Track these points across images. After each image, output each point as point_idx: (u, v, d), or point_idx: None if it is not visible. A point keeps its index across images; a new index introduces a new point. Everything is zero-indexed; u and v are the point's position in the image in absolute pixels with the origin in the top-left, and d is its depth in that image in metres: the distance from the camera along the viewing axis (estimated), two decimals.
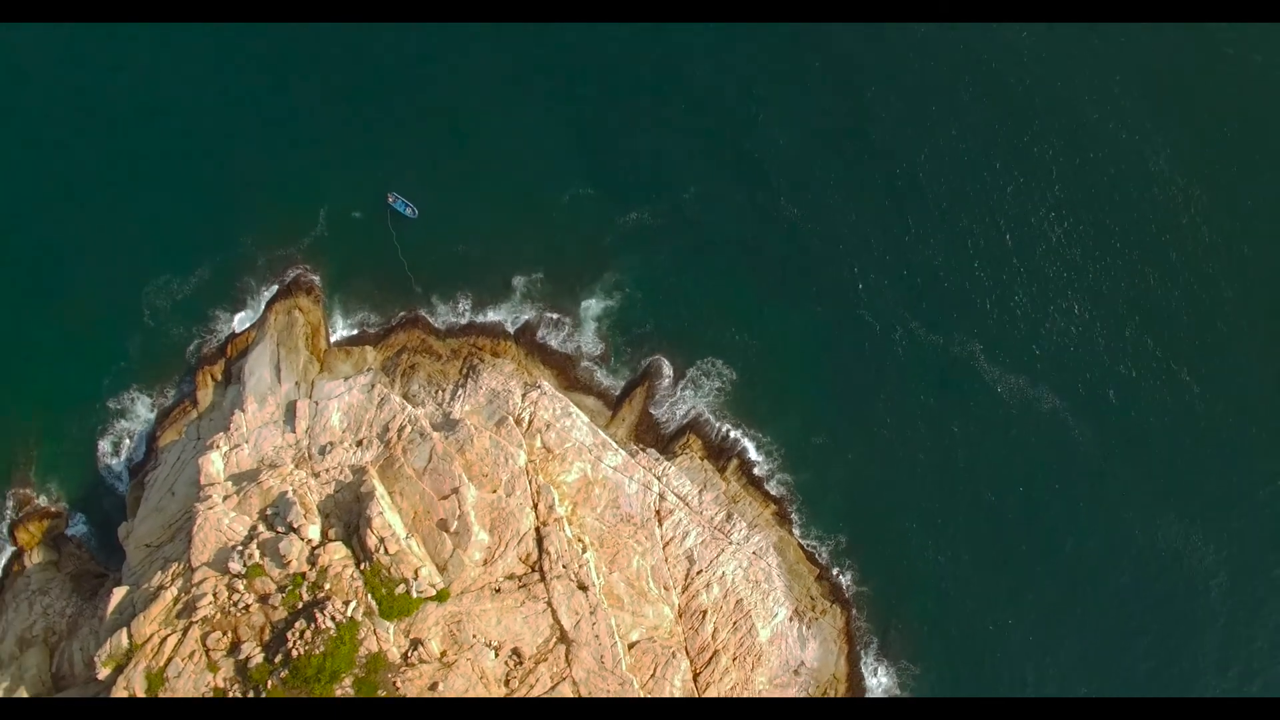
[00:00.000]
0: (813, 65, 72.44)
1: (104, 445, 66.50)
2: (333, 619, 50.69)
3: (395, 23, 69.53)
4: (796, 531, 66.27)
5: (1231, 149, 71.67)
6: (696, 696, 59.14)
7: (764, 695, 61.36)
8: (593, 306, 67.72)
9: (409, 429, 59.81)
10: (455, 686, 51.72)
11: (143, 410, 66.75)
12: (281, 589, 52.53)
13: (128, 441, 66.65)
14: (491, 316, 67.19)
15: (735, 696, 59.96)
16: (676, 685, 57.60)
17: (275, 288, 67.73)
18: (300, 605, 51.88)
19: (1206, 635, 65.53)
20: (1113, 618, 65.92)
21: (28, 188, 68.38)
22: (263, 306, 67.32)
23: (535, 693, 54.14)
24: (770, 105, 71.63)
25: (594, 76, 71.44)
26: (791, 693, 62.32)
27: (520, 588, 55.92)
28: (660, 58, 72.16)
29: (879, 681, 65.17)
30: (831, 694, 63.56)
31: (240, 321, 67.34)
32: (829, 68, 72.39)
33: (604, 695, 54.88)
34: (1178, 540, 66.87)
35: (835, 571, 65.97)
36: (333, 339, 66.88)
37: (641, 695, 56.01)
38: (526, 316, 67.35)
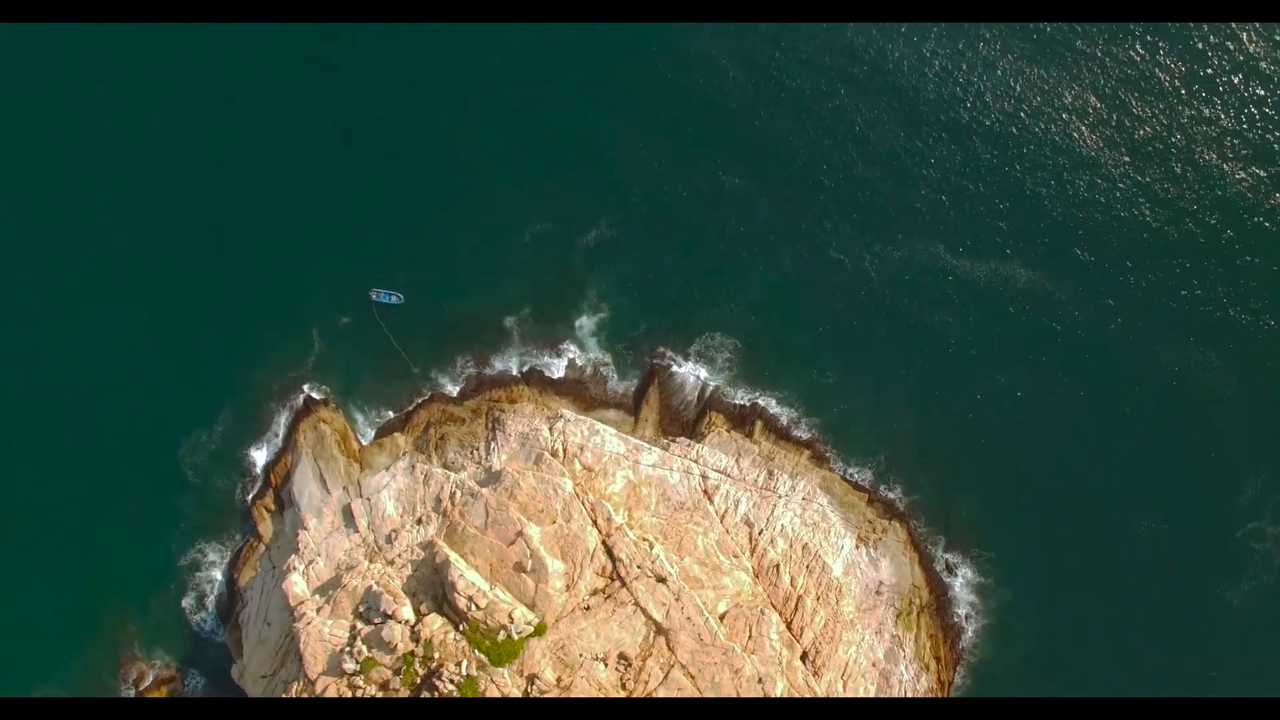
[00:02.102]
0: (719, 60, 75.27)
1: (188, 603, 70.44)
2: (451, 682, 54.63)
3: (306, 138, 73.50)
4: (836, 467, 69.67)
5: None
6: (795, 645, 62.99)
7: (853, 623, 65.12)
8: (586, 324, 71.36)
9: (459, 493, 63.80)
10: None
11: (215, 560, 70.74)
12: (397, 672, 56.50)
13: (210, 592, 70.64)
14: (498, 367, 70.83)
15: (828, 635, 63.80)
16: (774, 638, 61.45)
17: (294, 410, 71.48)
18: (419, 680, 55.84)
19: (1225, 446, 68.71)
20: (1136, 445, 69.25)
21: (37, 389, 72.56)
22: (289, 431, 71.17)
23: (651, 687, 58.05)
24: (691, 98, 74.43)
25: (515, 122, 74.36)
26: (879, 613, 66.06)
27: (606, 599, 59.88)
28: (571, 79, 75.07)
29: (959, 576, 68.66)
30: (916, 602, 67.19)
31: (274, 451, 71.24)
32: (738, 60, 75.49)
33: (712, 668, 58.76)
34: (1183, 360, 70.13)
35: (883, 490, 69.42)
36: (362, 438, 70.82)
37: (744, 658, 59.84)
38: (528, 356, 71.03)
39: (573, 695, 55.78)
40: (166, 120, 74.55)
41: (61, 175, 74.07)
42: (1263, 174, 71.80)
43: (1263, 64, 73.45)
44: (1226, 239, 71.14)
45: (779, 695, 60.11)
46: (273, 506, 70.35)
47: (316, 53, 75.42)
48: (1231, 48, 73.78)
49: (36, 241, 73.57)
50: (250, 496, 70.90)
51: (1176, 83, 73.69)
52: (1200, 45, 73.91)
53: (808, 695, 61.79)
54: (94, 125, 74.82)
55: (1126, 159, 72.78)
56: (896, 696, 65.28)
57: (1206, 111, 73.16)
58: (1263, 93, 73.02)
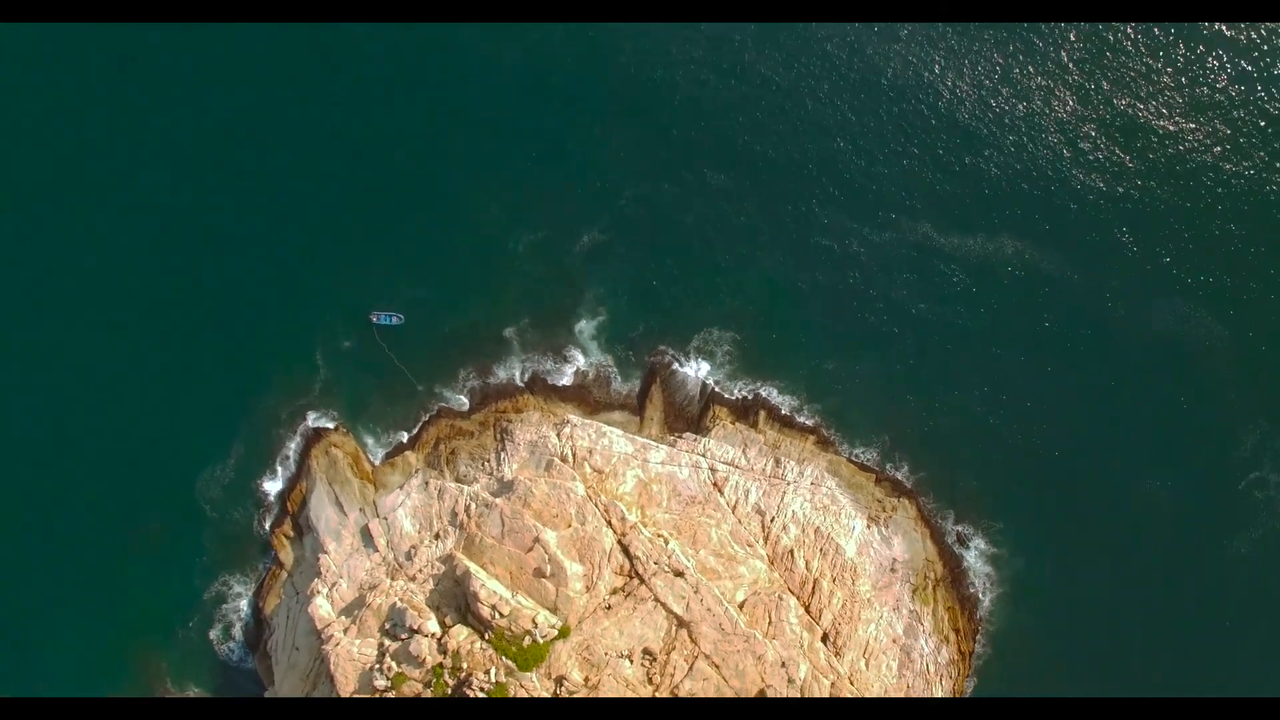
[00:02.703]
0: (698, 61, 76.11)
1: (215, 634, 71.49)
2: (481, 689, 55.68)
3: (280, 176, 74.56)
4: (842, 450, 70.79)
5: None
6: (815, 627, 64.02)
7: (871, 601, 66.18)
8: (585, 329, 72.38)
9: (473, 505, 64.85)
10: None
11: (239, 591, 71.79)
12: (427, 684, 57.55)
13: (236, 622, 71.72)
14: (502, 378, 71.74)
15: (846, 618, 64.86)
16: (793, 622, 62.52)
17: (305, 437, 72.40)
18: (450, 691, 56.88)
19: (1221, 400, 69.94)
20: (1134, 406, 70.53)
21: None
22: (301, 457, 72.08)
23: (676, 679, 59.11)
24: (673, 100, 75.26)
25: (500, 134, 75.08)
26: (895, 590, 67.10)
27: (626, 596, 60.93)
28: (553, 88, 75.70)
29: (971, 548, 69.71)
30: (931, 576, 68.24)
31: (288, 479, 72.23)
32: (708, 56, 76.53)
33: (735, 656, 59.82)
34: (1175, 319, 71.15)
35: (890, 469, 70.54)
36: (374, 459, 71.85)
37: (766, 644, 60.88)
38: (531, 365, 72.05)
39: (601, 693, 56.82)
40: (159, 157, 75.19)
41: (62, 213, 74.76)
42: (1224, 129, 73.10)
43: (1228, 31, 74.56)
44: (1206, 204, 72.34)
45: (802, 678, 61.12)
46: (291, 533, 71.37)
47: (295, 84, 76.28)
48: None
49: (45, 287, 74.39)
50: (269, 525, 71.90)
51: (1145, 57, 74.65)
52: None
53: (830, 676, 62.81)
54: (87, 163, 75.34)
55: (1102, 129, 73.85)
56: (914, 693, 66.35)
57: (1171, 80, 74.37)
58: (1228, 60, 74.27)
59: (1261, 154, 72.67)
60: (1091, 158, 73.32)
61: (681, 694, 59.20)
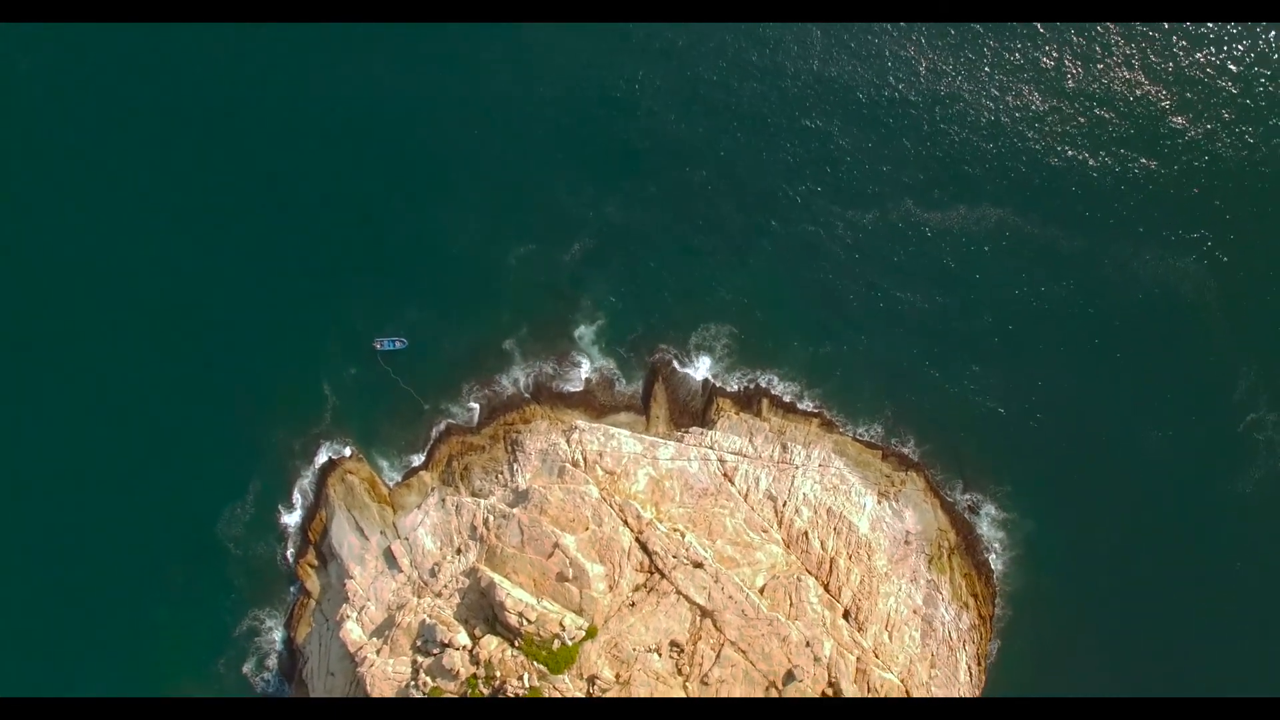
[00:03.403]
0: (673, 62, 77.09)
1: (249, 667, 72.76)
2: (516, 695, 56.94)
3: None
4: (846, 430, 71.96)
5: None
6: (836, 605, 65.32)
7: (888, 575, 67.48)
8: (584, 335, 73.58)
9: (491, 518, 66.18)
10: (640, 696, 58.03)
11: (271, 624, 73.12)
12: (463, 696, 58.80)
13: (271, 654, 73.03)
14: (507, 390, 73.02)
15: (866, 591, 66.18)
16: (814, 602, 63.81)
17: (319, 466, 73.80)
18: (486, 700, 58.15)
19: (1214, 347, 71.31)
20: (1129, 360, 71.66)
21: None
22: (318, 487, 73.36)
23: (706, 668, 60.42)
24: (643, 100, 76.51)
25: (481, 150, 76.03)
26: (911, 561, 68.39)
27: (649, 592, 62.24)
28: (529, 101, 76.78)
29: (982, 514, 70.94)
30: (945, 545, 69.50)
31: (307, 509, 73.51)
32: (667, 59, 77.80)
33: (760, 640, 61.12)
34: (1161, 270, 72.38)
35: (895, 444, 71.70)
36: (389, 483, 73.15)
37: (789, 625, 62.18)
38: (534, 375, 73.26)
39: (633, 686, 58.12)
40: (154, 215, 76.69)
41: (65, 266, 76.09)
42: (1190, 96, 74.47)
43: None
44: (1182, 162, 73.63)
45: (828, 655, 62.41)
46: (316, 562, 72.68)
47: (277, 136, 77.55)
48: None
49: (55, 344, 75.64)
50: (292, 557, 73.19)
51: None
52: None
53: (855, 651, 64.08)
54: (85, 206, 76.59)
55: (1075, 98, 75.13)
56: (939, 660, 67.62)
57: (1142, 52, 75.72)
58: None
59: (1226, 113, 74.00)
60: (1064, 126, 74.56)
61: (711, 681, 60.51)
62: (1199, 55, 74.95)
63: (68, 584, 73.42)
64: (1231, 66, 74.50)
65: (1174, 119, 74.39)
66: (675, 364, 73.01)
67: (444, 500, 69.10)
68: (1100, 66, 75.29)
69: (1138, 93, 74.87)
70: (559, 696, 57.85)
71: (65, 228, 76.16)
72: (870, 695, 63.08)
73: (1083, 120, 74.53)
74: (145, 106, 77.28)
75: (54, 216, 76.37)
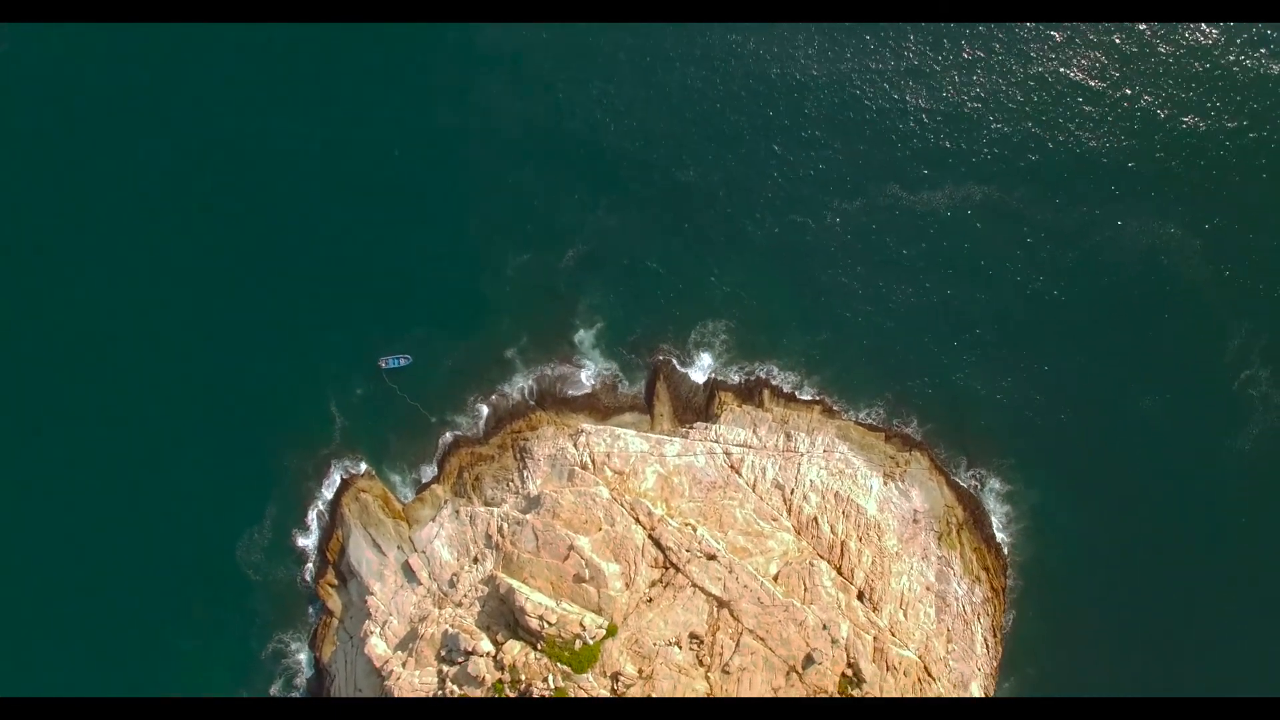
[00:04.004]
0: (655, 63, 78.32)
1: (276, 689, 73.74)
2: (543, 697, 58.00)
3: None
4: (848, 415, 73.09)
5: None
6: (850, 587, 66.38)
7: (899, 554, 68.54)
8: (585, 339, 74.58)
9: (505, 525, 67.27)
10: (663, 688, 59.21)
11: (295, 645, 74.11)
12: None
13: (298, 674, 74.07)
14: (512, 398, 74.19)
15: (877, 577, 67.26)
16: (828, 585, 64.87)
17: (332, 486, 74.77)
18: None
19: (1203, 308, 72.39)
20: (1122, 327, 72.84)
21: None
22: (333, 507, 74.41)
23: (726, 657, 61.48)
24: (628, 104, 77.57)
25: (471, 162, 77.29)
26: (920, 539, 69.44)
27: (665, 587, 63.32)
28: (514, 110, 77.99)
29: (988, 488, 72.00)
30: (953, 521, 70.55)
31: (323, 529, 74.47)
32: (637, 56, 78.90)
33: (778, 627, 62.20)
34: (1147, 236, 73.33)
35: (897, 425, 72.72)
36: (403, 498, 74.16)
37: (805, 610, 63.26)
38: (537, 382, 74.30)
39: (655, 680, 59.22)
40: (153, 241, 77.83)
41: (68, 288, 77.32)
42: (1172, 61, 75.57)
43: None
44: (1168, 127, 74.83)
45: (845, 637, 63.46)
46: (335, 581, 73.70)
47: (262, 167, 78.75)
48: None
49: (64, 373, 76.72)
50: (312, 578, 74.18)
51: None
52: None
53: (872, 631, 65.13)
54: (84, 226, 77.84)
55: (1063, 65, 76.27)
56: (955, 635, 68.59)
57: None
58: None
59: (1197, 87, 75.10)
60: (1049, 111, 75.67)
61: (732, 670, 61.58)
62: (1168, 45, 76.23)
63: (91, 625, 74.25)
64: (1201, 40, 75.71)
65: (1145, 98, 75.60)
66: (675, 362, 74.03)
67: (458, 511, 70.19)
68: (1070, 52, 76.46)
69: (1114, 75, 75.96)
70: (585, 696, 58.92)
71: (72, 262, 77.35)
72: (889, 672, 64.10)
73: (1066, 104, 75.52)
74: (144, 128, 78.59)
75: (64, 253, 77.71)
